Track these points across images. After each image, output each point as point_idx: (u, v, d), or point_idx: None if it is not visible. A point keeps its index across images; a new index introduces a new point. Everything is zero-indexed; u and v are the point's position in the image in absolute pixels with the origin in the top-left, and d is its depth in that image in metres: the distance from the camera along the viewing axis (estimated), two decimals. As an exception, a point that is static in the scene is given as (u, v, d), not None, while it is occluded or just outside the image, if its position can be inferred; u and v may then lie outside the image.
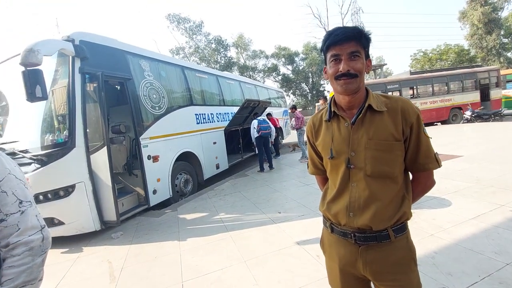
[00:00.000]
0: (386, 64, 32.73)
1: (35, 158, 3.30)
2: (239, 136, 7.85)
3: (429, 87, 12.16)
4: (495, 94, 12.40)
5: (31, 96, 2.85)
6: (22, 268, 0.68)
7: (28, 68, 2.86)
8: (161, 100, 4.88)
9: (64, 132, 3.47)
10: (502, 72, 13.93)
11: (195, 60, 29.94)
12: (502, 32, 24.86)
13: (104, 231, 3.66)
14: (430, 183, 1.03)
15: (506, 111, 12.19)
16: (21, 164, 3.38)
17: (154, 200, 4.43)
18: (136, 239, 3.35)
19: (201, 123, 6.11)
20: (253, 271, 2.30)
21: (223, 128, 7.02)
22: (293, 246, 2.63)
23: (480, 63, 20.78)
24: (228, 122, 7.22)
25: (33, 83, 2.85)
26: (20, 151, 3.37)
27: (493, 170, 4.24)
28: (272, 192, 4.65)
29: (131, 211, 4.16)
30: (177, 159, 5.12)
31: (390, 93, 12.14)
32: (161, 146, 4.71)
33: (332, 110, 1.04)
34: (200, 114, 6.09)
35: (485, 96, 12.37)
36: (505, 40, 25.50)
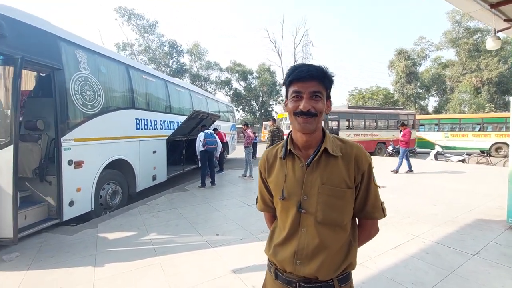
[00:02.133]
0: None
1: None
2: (183, 147, 7.44)
3: (362, 121, 13.77)
4: (411, 134, 14.70)
5: None
6: None
7: None
8: (96, 98, 4.29)
9: (-48, 121, 2.71)
10: (417, 116, 16.69)
11: (143, 60, 28.17)
12: (418, 84, 30.11)
13: (-8, 252, 2.89)
14: (375, 231, 1.04)
15: (418, 150, 14.53)
16: None
17: (69, 213, 3.75)
18: (37, 263, 2.71)
19: (142, 129, 5.58)
20: (181, 306, 2.04)
21: (166, 137, 6.56)
22: (228, 275, 2.45)
23: (401, 107, 24.59)
24: (172, 131, 6.79)
25: None
26: None
27: (409, 202, 4.84)
28: (211, 211, 4.41)
29: (36, 226, 3.41)
30: (107, 167, 4.51)
31: (329, 123, 13.33)
32: (88, 150, 4.09)
33: (288, 148, 0.98)
34: (141, 119, 5.57)
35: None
36: (420, 90, 30.90)
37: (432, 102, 37.35)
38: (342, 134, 12.68)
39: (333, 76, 0.95)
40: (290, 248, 0.93)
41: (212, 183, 6.47)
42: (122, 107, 5.00)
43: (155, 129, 6.11)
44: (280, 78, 33.25)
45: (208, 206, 4.73)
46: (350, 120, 13.61)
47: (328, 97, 0.97)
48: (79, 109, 3.98)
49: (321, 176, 0.91)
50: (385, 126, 14.27)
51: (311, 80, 0.89)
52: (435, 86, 30.61)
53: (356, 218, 1.02)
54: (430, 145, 15.56)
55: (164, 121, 6.59)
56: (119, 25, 33.36)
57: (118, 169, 4.89)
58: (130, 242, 3.23)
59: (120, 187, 4.90)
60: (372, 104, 30.08)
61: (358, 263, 2.54)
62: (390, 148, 12.86)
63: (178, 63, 29.73)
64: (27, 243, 3.17)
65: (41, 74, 4.75)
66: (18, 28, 3.15)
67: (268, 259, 1.03)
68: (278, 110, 31.86)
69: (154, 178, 6.06)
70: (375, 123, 14.05)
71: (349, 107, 14.79)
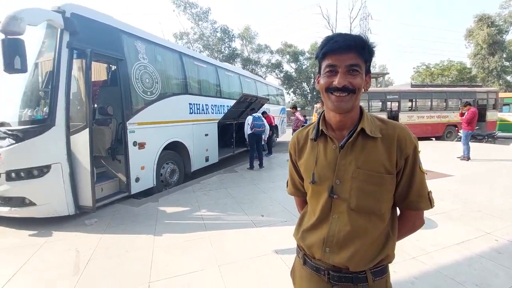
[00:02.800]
0: (388, 73, 32.67)
1: (10, 132, 3.10)
2: (233, 130, 7.69)
3: (428, 102, 12.13)
4: (491, 116, 12.45)
5: (9, 67, 2.65)
6: None
7: (8, 37, 2.65)
8: (154, 85, 4.67)
9: (44, 109, 3.27)
10: (501, 95, 14.00)
11: (198, 48, 29.38)
12: (504, 55, 24.94)
13: (78, 216, 3.50)
14: (419, 223, 0.92)
15: (499, 134, 12.26)
16: (-6, 138, 3.18)
17: (135, 188, 4.27)
18: (110, 229, 3.20)
19: (195, 113, 5.92)
20: (226, 278, 2.18)
21: (217, 121, 6.86)
22: (271, 255, 2.52)
23: (480, 83, 20.87)
24: (223, 114, 7.05)
25: (12, 54, 2.65)
26: (-5, 123, 3.17)
27: (481, 194, 4.19)
28: (258, 193, 4.53)
29: (109, 198, 3.99)
30: (165, 148, 4.95)
31: (388, 104, 12.13)
32: (149, 132, 4.53)
33: (320, 128, 0.91)
34: (194, 103, 5.90)
35: (481, 117, 12.41)
36: (506, 63, 25.60)
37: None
38: (404, 117, 11.45)
39: (374, 47, 0.83)
40: (319, 234, 0.88)
41: (260, 165, 6.59)
42: (176, 93, 5.35)
43: (206, 113, 6.42)
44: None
45: (255, 187, 4.87)
46: (414, 100, 12.11)
47: (368, 71, 0.85)
48: (140, 96, 4.40)
49: (356, 159, 0.83)
50: (457, 106, 12.33)
51: (348, 51, 0.78)
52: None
53: (397, 208, 0.91)
54: (515, 128, 13.04)
55: (215, 105, 6.86)
56: (176, 16, 35.22)
57: (175, 151, 5.33)
58: (184, 216, 3.55)
59: (177, 167, 5.36)
60: (442, 82, 26.22)
61: (412, 257, 2.37)
62: (461, 132, 11.16)
63: (230, 48, 30.24)
64: (103, 212, 3.73)
65: (109, 65, 5.37)
66: (87, 24, 3.57)
67: (297, 243, 1.00)
68: (331, 91, 30.14)
69: (207, 159, 6.45)
70: (444, 103, 12.24)
71: (412, 85, 13.15)
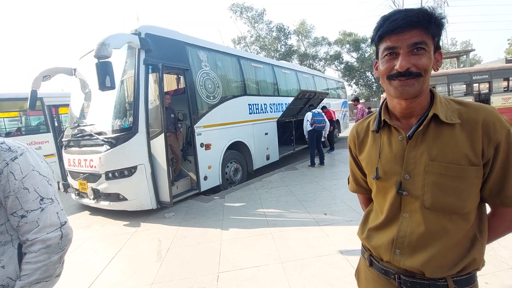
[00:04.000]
0: (473, 50, 27.52)
1: (106, 140, 3.75)
2: (292, 127, 7.65)
3: (532, 79, 9.79)
4: None
5: (102, 86, 3.20)
6: (38, 265, 0.72)
7: (100, 60, 3.21)
8: (215, 90, 5.01)
9: (130, 119, 3.85)
10: None
11: (255, 49, 30.12)
12: None
13: (159, 210, 4.01)
14: None
15: None
16: (94, 145, 3.90)
17: (204, 185, 4.66)
18: (185, 222, 3.57)
19: (254, 113, 6.11)
20: (289, 274, 2.20)
21: (276, 119, 6.93)
22: (335, 255, 2.43)
23: None
24: (281, 113, 7.08)
25: (104, 74, 3.19)
26: (95, 133, 3.88)
27: None
28: (320, 190, 4.41)
29: (183, 194, 4.47)
30: (228, 148, 5.25)
31: (476, 86, 10.26)
32: (213, 134, 4.88)
33: (382, 118, 0.82)
34: (253, 104, 6.10)
35: None
36: None
37: None
38: (497, 99, 9.48)
39: (442, 18, 0.70)
40: (388, 234, 0.80)
41: (321, 162, 6.39)
42: (236, 95, 5.62)
43: (265, 112, 6.55)
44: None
45: (316, 185, 4.75)
46: (511, 79, 9.94)
47: (437, 48, 0.73)
48: (205, 101, 4.77)
49: (429, 150, 0.72)
50: None
51: (410, 29, 0.67)
52: None
53: (487, 205, 0.77)
54: None
55: (273, 104, 6.94)
56: (233, 22, 36.84)
57: (238, 150, 5.61)
58: (248, 212, 3.71)
59: (240, 166, 5.64)
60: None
61: (509, 267, 1.98)
62: None
63: (286, 46, 30.09)
64: (179, 206, 4.19)
65: (178, 75, 5.99)
66: (158, 41, 4.05)
67: (362, 243, 0.93)
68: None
69: (268, 158, 6.59)
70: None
71: (507, 60, 10.80)
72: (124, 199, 3.84)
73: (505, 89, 10.01)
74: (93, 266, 2.67)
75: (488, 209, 0.79)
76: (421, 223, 0.74)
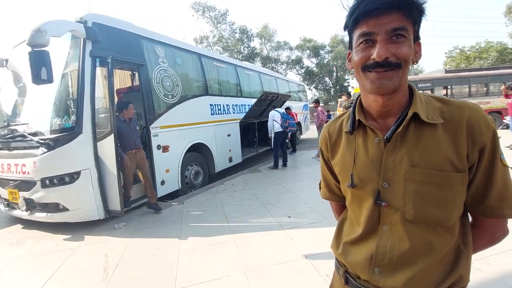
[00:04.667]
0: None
1: (42, 142, 3.24)
2: (255, 129, 7.59)
3: (466, 88, 11.17)
4: (541, 99, 11.17)
5: (37, 79, 2.75)
6: None
7: (34, 49, 2.75)
8: (174, 88, 4.70)
9: (72, 117, 3.38)
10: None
11: (218, 50, 29.72)
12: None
13: (108, 220, 3.58)
14: (502, 234, 0.69)
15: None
16: (28, 148, 3.35)
17: (161, 191, 4.31)
18: (138, 232, 3.23)
19: (216, 114, 5.90)
20: (253, 285, 2.06)
21: (239, 120, 6.79)
22: (300, 260, 2.35)
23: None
24: (244, 114, 6.97)
25: (39, 65, 2.74)
26: (29, 134, 3.33)
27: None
28: (284, 192, 4.37)
29: (137, 201, 4.07)
30: (189, 150, 4.96)
31: (420, 92, 11.31)
32: (172, 136, 4.56)
33: (357, 118, 0.71)
34: (215, 104, 5.88)
35: (529, 101, 11.18)
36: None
37: None
38: (438, 105, 10.63)
39: (423, 2, 0.61)
40: (366, 250, 0.70)
41: (284, 164, 6.41)
42: (197, 95, 5.35)
43: (228, 113, 6.37)
44: (357, 48, 29.98)
45: (280, 187, 4.71)
46: (449, 87, 11.21)
47: (417, 37, 0.65)
48: (162, 100, 4.43)
49: (410, 154, 0.63)
50: (500, 91, 11.20)
51: (389, 12, 0.58)
52: None
53: (469, 214, 0.70)
54: None
55: (236, 105, 6.80)
56: (195, 20, 35.93)
57: (199, 152, 5.33)
58: (209, 219, 3.49)
59: (201, 168, 5.36)
60: (480, 65, 24.11)
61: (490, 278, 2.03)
62: (508, 119, 10.09)
63: (249, 48, 30.24)
64: (131, 215, 3.80)
65: (133, 71, 5.51)
66: (108, 32, 3.64)
67: (336, 258, 0.83)
68: (355, 84, 29.15)
69: (230, 160, 6.41)
70: (485, 88, 11.20)
71: (446, 71, 12.20)
72: (65, 209, 3.35)
73: (445, 95, 11.24)
74: (20, 292, 2.23)
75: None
76: (403, 238, 0.65)
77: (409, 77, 12.71)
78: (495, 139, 0.62)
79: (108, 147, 3.42)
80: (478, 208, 0.66)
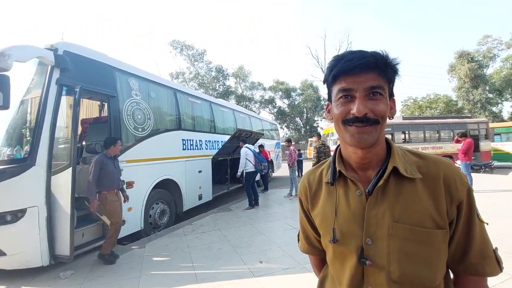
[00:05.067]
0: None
1: (-16, 173, 2.83)
2: (227, 166, 7.47)
3: (421, 133, 12.34)
4: (484, 145, 12.61)
5: (-10, 104, 2.49)
6: None
7: (-7, 73, 2.53)
8: (146, 121, 4.54)
9: (25, 147, 3.05)
10: (491, 125, 14.37)
11: (193, 86, 30.30)
12: (487, 88, 26.18)
13: (53, 268, 3.08)
14: None
15: (496, 163, 12.28)
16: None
17: (121, 232, 3.87)
18: (87, 283, 2.79)
19: (188, 149, 5.74)
20: None
21: (211, 156, 6.66)
22: (272, 313, 2.15)
23: (468, 115, 21.54)
24: (217, 150, 6.88)
25: (-5, 90, 2.51)
26: (-31, 163, 2.91)
27: (500, 230, 3.92)
28: (255, 234, 4.17)
29: (90, 244, 3.59)
30: (155, 187, 4.66)
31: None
32: (138, 171, 4.28)
33: (338, 169, 0.71)
34: (187, 139, 5.75)
35: (475, 147, 12.56)
36: (490, 95, 26.80)
37: (507, 107, 32.06)
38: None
39: (397, 64, 0.66)
40: None
41: (256, 203, 6.25)
42: (169, 129, 5.22)
43: (200, 149, 6.25)
44: (324, 93, 32.49)
45: (251, 228, 4.51)
46: (407, 132, 12.32)
47: (391, 95, 0.68)
48: (131, 132, 4.23)
49: (391, 209, 0.63)
50: (450, 137, 12.53)
51: (366, 71, 0.62)
52: (509, 89, 26.33)
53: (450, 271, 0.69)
54: (510, 157, 13.15)
55: (209, 141, 6.72)
56: (173, 57, 36.86)
57: (166, 189, 5.03)
58: (173, 266, 3.15)
59: (168, 207, 5.01)
60: (431, 114, 27.11)
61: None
62: (459, 162, 11.15)
63: (224, 86, 31.28)
64: (82, 261, 3.32)
65: (102, 102, 5.29)
66: (80, 62, 3.52)
67: None
68: (324, 125, 30.89)
69: (200, 198, 6.11)
70: (437, 135, 12.46)
71: (404, 118, 13.47)
72: (2, 253, 2.84)
73: (403, 140, 12.25)
74: None
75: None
76: None
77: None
78: (470, 195, 0.64)
79: (64, 181, 3.08)
80: (460, 266, 0.65)
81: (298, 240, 0.91)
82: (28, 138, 3.10)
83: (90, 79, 3.65)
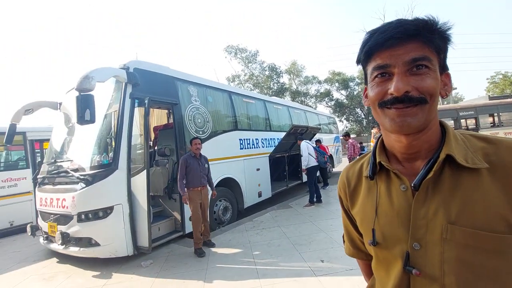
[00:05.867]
0: (455, 88, 29.08)
1: (82, 177, 3.44)
2: (285, 163, 7.45)
3: (518, 115, 10.15)
4: None
5: (81, 120, 3.00)
6: None
7: (81, 93, 3.05)
8: (205, 125, 4.86)
9: (110, 154, 3.59)
10: None
11: (249, 87, 31.16)
12: None
13: (136, 257, 3.55)
14: None
15: None
16: (70, 183, 3.58)
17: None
18: (163, 272, 3.13)
19: (245, 148, 5.92)
20: None
21: (268, 154, 6.74)
22: (336, 315, 2.05)
23: None
24: (273, 148, 6.92)
25: (84, 107, 3.01)
26: (71, 170, 3.58)
27: None
28: (316, 232, 4.05)
29: (165, 237, 4.04)
30: (218, 185, 4.94)
31: (463, 122, 10.46)
32: (201, 171, 4.60)
33: (378, 160, 0.61)
34: (244, 139, 5.94)
35: None
36: None
37: None
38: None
39: (447, 29, 0.52)
40: None
41: (319, 200, 6.05)
42: (227, 130, 5.47)
43: (257, 147, 6.38)
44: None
45: (311, 225, 4.40)
46: (496, 114, 10.25)
47: (444, 68, 0.55)
48: (194, 136, 4.58)
49: (447, 207, 0.51)
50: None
51: (405, 41, 0.51)
52: None
53: None
54: None
55: (265, 139, 6.81)
56: (228, 61, 38.59)
57: (228, 187, 5.29)
58: (236, 260, 3.30)
59: (230, 204, 5.27)
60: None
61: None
62: None
63: (279, 84, 31.28)
64: (159, 252, 3.74)
65: (169, 110, 5.88)
66: (147, 76, 3.97)
67: None
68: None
69: (260, 195, 6.25)
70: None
71: (490, 97, 11.29)
72: (97, 244, 3.41)
73: (492, 124, 10.27)
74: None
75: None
76: None
77: (448, 106, 11.95)
78: None
79: (141, 182, 3.53)
80: None
81: (343, 241, 0.83)
82: (111, 146, 3.64)
83: (156, 90, 4.08)
